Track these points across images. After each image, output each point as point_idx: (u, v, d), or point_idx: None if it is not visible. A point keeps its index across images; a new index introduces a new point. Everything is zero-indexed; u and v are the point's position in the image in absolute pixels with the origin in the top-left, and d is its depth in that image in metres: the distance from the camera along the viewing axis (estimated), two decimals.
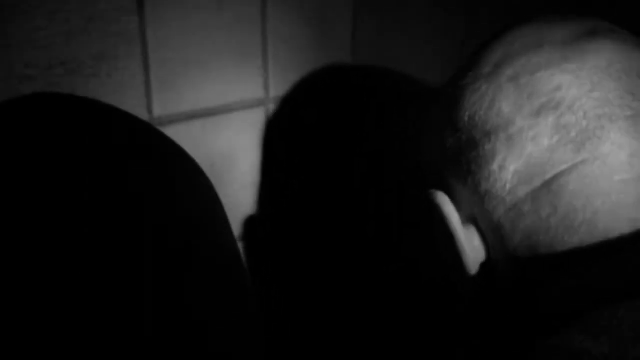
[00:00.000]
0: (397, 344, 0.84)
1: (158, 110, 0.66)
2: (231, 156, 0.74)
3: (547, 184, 0.40)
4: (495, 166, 0.41)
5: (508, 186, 0.41)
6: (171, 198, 0.39)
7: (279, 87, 0.76)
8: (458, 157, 0.44)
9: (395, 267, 0.84)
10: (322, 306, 0.83)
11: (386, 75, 0.84)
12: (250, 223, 0.78)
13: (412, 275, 0.84)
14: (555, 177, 0.40)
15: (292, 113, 0.79)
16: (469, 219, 0.45)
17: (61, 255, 0.34)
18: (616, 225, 0.39)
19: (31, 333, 0.34)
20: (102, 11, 0.60)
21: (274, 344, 0.77)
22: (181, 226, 0.38)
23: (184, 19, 0.66)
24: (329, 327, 0.82)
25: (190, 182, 0.42)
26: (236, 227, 0.76)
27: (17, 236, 0.34)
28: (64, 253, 0.34)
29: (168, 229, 0.37)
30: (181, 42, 0.66)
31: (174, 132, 0.67)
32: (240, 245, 0.75)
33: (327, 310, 0.83)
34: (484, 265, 0.45)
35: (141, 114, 0.64)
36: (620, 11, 0.50)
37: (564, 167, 0.40)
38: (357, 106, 0.83)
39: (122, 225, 0.35)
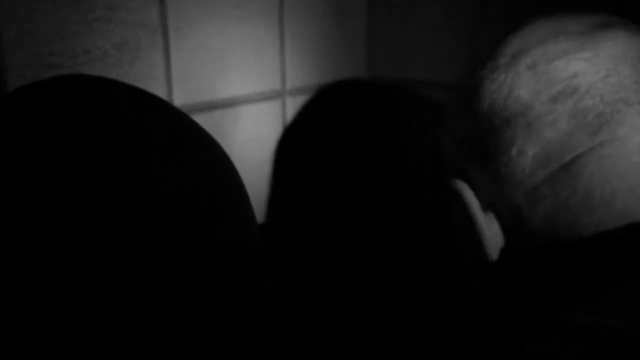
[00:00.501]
0: (397, 344, 0.85)
1: (178, 100, 0.67)
2: (248, 146, 0.75)
3: (566, 167, 0.41)
4: (514, 151, 0.42)
5: (527, 170, 0.42)
6: (188, 189, 0.39)
7: (296, 79, 0.77)
8: (477, 144, 0.45)
9: (397, 269, 0.85)
10: (324, 305, 0.84)
11: (401, 83, 0.85)
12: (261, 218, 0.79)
13: (413, 277, 0.85)
14: (574, 160, 0.41)
15: (308, 113, 0.80)
16: (487, 206, 0.46)
17: (65, 252, 0.35)
18: (633, 205, 0.40)
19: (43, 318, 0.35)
20: (124, 1, 0.61)
21: (275, 343, 0.78)
22: (194, 220, 0.39)
23: (204, 10, 0.67)
24: (331, 326, 0.83)
25: (211, 172, 0.43)
26: None
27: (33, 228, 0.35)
28: (66, 252, 0.35)
29: (180, 222, 0.38)
30: (202, 32, 0.67)
31: None
32: None
33: (329, 309, 0.84)
34: (502, 252, 0.46)
35: None
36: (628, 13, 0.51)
37: (582, 149, 0.41)
38: (370, 112, 0.84)
39: (131, 219, 0.36)
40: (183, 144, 0.42)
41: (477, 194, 0.46)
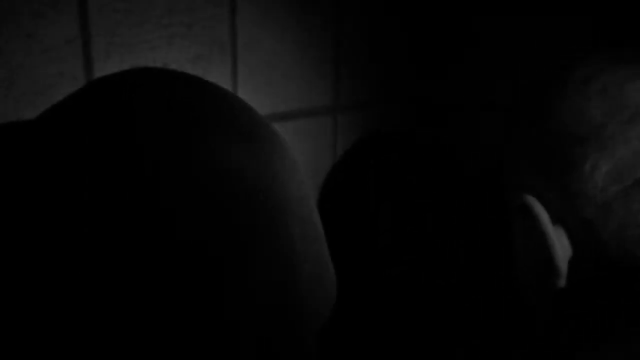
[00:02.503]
0: (398, 344, 0.87)
1: None
2: (301, 158, 0.78)
3: (638, 182, 0.45)
4: (587, 168, 0.46)
5: (600, 185, 0.45)
6: (263, 176, 0.41)
7: (349, 96, 0.81)
8: (547, 162, 0.49)
9: (398, 269, 0.87)
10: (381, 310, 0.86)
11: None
12: None
13: (414, 278, 0.88)
14: None
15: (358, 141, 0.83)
16: (556, 220, 0.49)
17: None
18: None
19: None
20: (200, 19, 0.65)
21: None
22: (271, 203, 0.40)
23: (269, 27, 0.71)
24: (332, 325, 0.85)
25: (280, 162, 0.44)
26: None
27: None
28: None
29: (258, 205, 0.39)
30: (266, 48, 0.71)
31: None
32: None
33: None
34: (570, 263, 0.49)
35: None
36: None
37: None
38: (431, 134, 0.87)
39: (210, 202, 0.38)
40: (252, 132, 0.43)
41: (546, 208, 0.49)
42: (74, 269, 0.36)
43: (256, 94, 0.72)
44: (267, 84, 0.72)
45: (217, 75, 0.68)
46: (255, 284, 0.38)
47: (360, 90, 0.82)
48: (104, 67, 0.59)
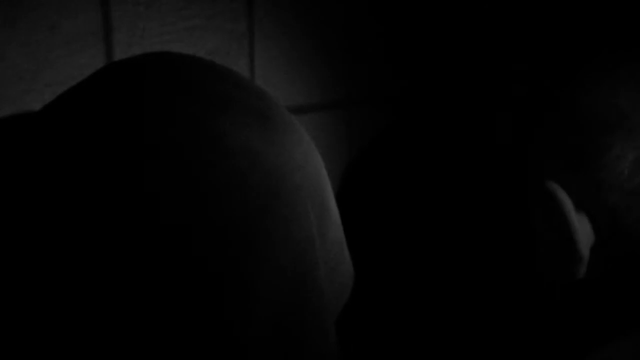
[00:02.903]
0: (400, 343, 0.87)
1: None
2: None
3: None
4: (612, 156, 0.46)
5: (626, 172, 0.46)
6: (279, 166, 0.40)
7: (363, 90, 0.81)
8: (570, 150, 0.49)
9: (411, 262, 0.88)
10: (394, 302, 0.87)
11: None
12: None
13: (426, 271, 0.88)
14: None
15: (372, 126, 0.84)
16: (579, 207, 0.49)
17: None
18: None
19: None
20: (220, 11, 0.65)
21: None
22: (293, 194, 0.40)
23: (286, 22, 0.71)
24: (345, 316, 0.86)
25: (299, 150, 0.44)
26: None
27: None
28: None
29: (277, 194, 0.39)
30: (282, 42, 0.71)
31: None
32: None
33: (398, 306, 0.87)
34: (592, 250, 0.49)
35: None
36: None
37: None
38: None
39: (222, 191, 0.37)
40: (267, 116, 0.42)
41: (569, 196, 0.50)
42: (65, 270, 0.36)
43: (272, 87, 0.72)
44: (283, 76, 0.73)
45: (235, 68, 0.68)
46: (274, 270, 0.37)
47: (374, 84, 0.82)
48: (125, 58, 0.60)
